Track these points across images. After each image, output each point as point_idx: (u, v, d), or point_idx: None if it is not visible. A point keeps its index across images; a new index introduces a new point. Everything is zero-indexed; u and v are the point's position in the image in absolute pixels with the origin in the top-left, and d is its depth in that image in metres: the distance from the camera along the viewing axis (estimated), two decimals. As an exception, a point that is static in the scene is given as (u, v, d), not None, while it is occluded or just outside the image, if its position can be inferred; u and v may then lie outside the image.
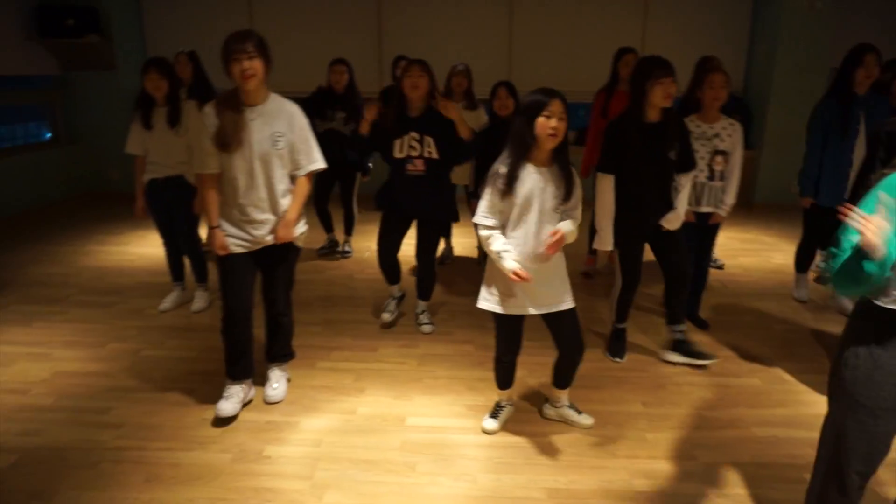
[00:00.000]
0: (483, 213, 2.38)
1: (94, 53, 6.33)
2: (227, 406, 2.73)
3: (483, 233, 2.40)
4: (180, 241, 3.91)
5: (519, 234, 2.38)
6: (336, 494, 2.31)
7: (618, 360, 3.33)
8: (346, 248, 5.09)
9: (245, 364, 2.82)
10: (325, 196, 4.90)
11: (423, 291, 3.68)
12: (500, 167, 2.35)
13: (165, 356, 3.36)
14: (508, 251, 2.35)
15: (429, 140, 3.30)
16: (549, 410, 2.80)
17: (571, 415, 2.75)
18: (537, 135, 2.27)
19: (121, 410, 2.85)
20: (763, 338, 3.63)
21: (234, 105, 2.58)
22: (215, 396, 2.92)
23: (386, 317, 3.71)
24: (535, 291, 2.41)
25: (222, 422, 2.71)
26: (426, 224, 3.54)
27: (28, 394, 2.98)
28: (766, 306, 4.09)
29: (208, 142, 2.59)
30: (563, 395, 2.73)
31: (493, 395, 2.94)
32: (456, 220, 3.64)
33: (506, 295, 2.43)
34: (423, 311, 3.72)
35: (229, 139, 2.55)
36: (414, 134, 3.30)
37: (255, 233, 2.68)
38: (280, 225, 2.69)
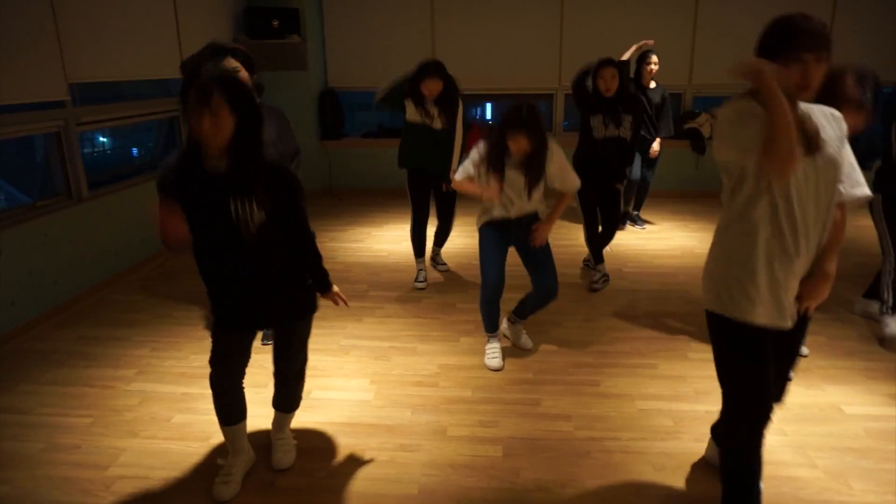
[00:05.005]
0: None
1: (293, 54, 6.38)
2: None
3: None
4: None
5: None
6: None
7: None
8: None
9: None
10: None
11: None
12: None
13: (523, 350, 3.39)
14: None
15: None
16: None
17: None
18: None
19: (551, 400, 2.87)
20: None
21: None
22: (626, 386, 2.99)
23: None
24: None
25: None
26: None
27: (438, 387, 3.01)
28: None
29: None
30: None
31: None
32: None
33: None
34: None
35: None
36: None
37: None
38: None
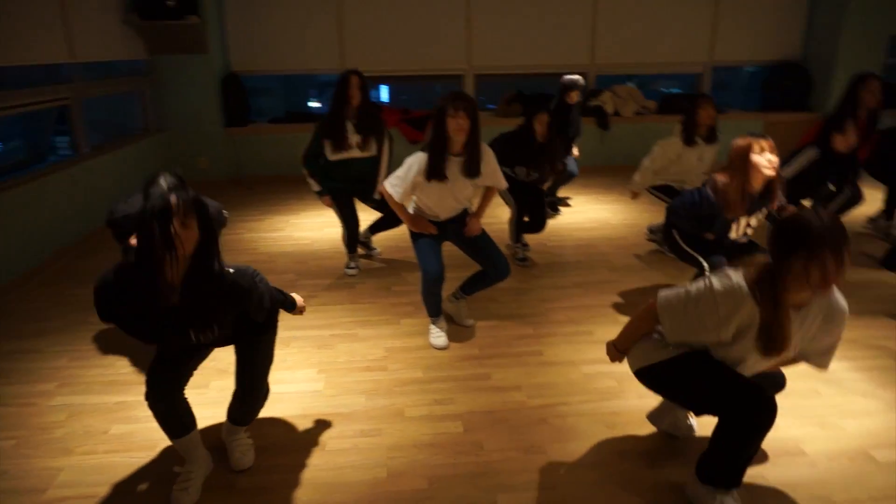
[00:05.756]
0: None
1: (191, 35, 6.00)
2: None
3: None
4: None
5: None
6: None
7: None
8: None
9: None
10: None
11: None
12: None
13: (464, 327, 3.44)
14: None
15: None
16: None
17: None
18: None
19: (499, 374, 2.95)
20: None
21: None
22: (567, 353, 3.15)
23: None
24: None
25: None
26: None
27: (388, 370, 3.01)
28: None
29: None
30: None
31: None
32: None
33: None
34: None
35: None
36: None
37: None
38: None
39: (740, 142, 2.85)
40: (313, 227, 5.26)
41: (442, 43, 6.92)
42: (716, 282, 1.90)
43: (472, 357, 3.12)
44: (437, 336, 3.24)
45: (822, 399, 2.71)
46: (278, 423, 2.59)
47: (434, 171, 2.96)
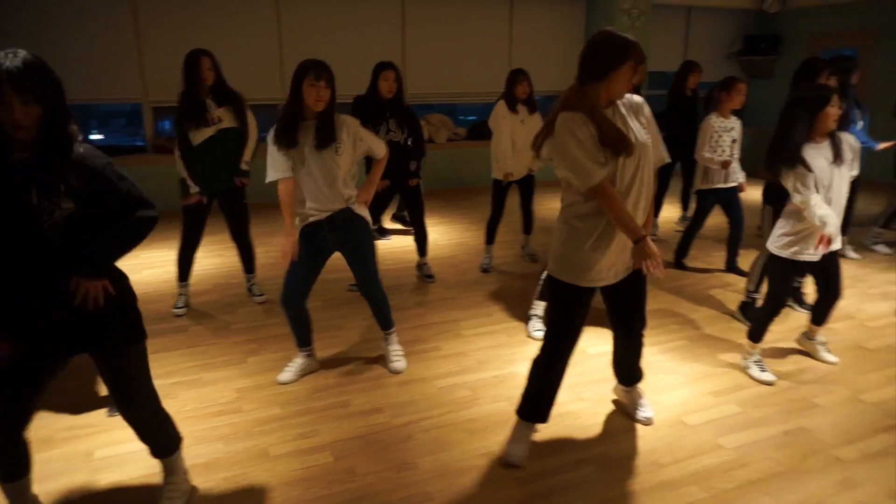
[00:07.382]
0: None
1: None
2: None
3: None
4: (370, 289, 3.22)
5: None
6: (615, 402, 2.93)
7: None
8: None
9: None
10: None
11: None
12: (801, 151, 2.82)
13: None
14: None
15: None
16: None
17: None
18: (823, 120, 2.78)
19: (359, 399, 2.97)
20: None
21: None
22: (420, 370, 3.29)
23: None
24: None
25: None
26: None
27: (243, 411, 2.87)
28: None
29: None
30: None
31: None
32: None
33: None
34: None
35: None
36: None
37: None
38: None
39: None
40: (128, 270, 4.77)
41: (257, 72, 6.76)
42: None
43: (328, 386, 3.10)
44: (286, 370, 3.15)
45: (639, 380, 3.15)
46: (128, 489, 2.35)
47: (283, 136, 2.80)
